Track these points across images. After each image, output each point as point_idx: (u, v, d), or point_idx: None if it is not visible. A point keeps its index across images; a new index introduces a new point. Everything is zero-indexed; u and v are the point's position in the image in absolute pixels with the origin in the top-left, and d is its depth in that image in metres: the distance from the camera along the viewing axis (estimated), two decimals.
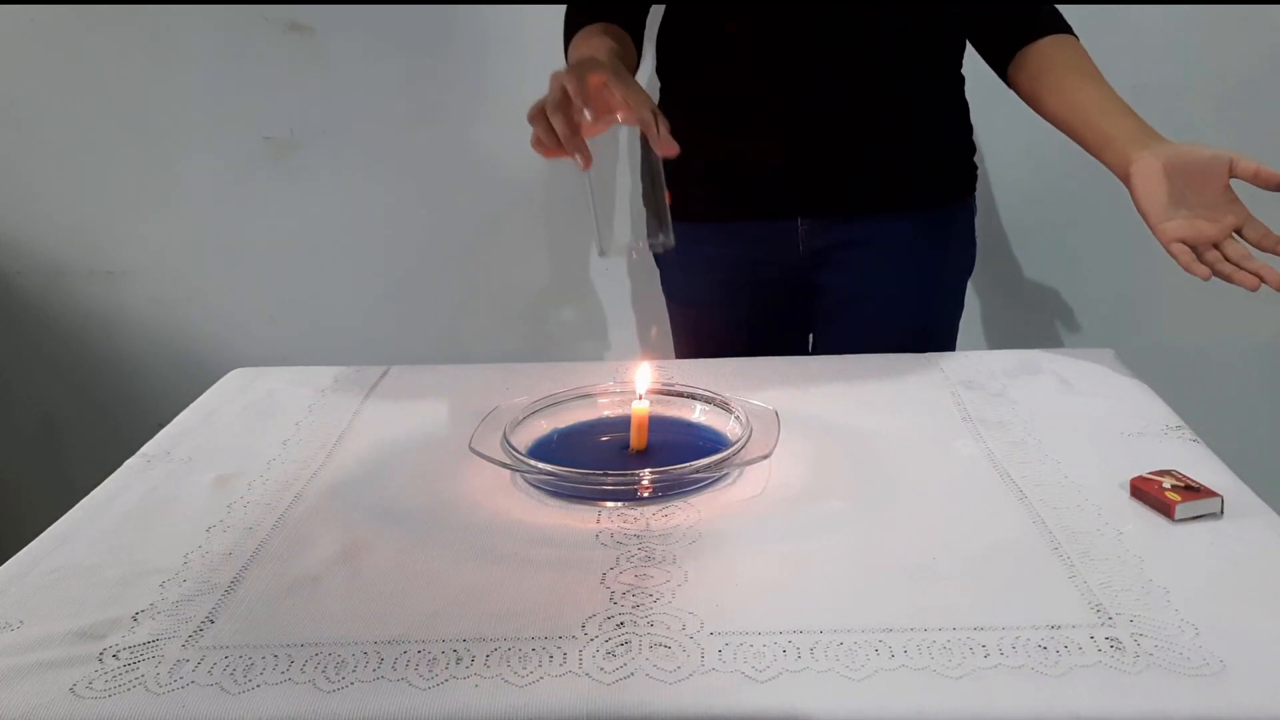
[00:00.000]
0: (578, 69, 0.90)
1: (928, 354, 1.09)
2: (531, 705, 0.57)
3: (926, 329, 1.22)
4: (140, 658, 0.62)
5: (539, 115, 0.89)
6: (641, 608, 0.65)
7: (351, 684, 0.59)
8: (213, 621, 0.66)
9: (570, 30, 1.13)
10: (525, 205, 1.61)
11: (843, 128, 1.12)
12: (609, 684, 0.59)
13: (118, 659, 0.62)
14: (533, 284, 1.66)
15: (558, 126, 0.86)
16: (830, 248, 1.19)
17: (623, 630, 0.63)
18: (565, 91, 0.88)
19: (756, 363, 1.11)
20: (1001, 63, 1.13)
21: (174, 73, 1.55)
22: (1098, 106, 1.02)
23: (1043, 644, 0.60)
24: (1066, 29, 1.11)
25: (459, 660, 0.61)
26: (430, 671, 0.60)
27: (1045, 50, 1.08)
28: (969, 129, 1.22)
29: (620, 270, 1.63)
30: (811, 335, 1.29)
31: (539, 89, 1.53)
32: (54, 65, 1.55)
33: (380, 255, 1.65)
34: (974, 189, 1.23)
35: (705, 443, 0.88)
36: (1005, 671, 0.58)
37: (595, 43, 1.05)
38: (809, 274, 1.21)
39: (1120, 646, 0.60)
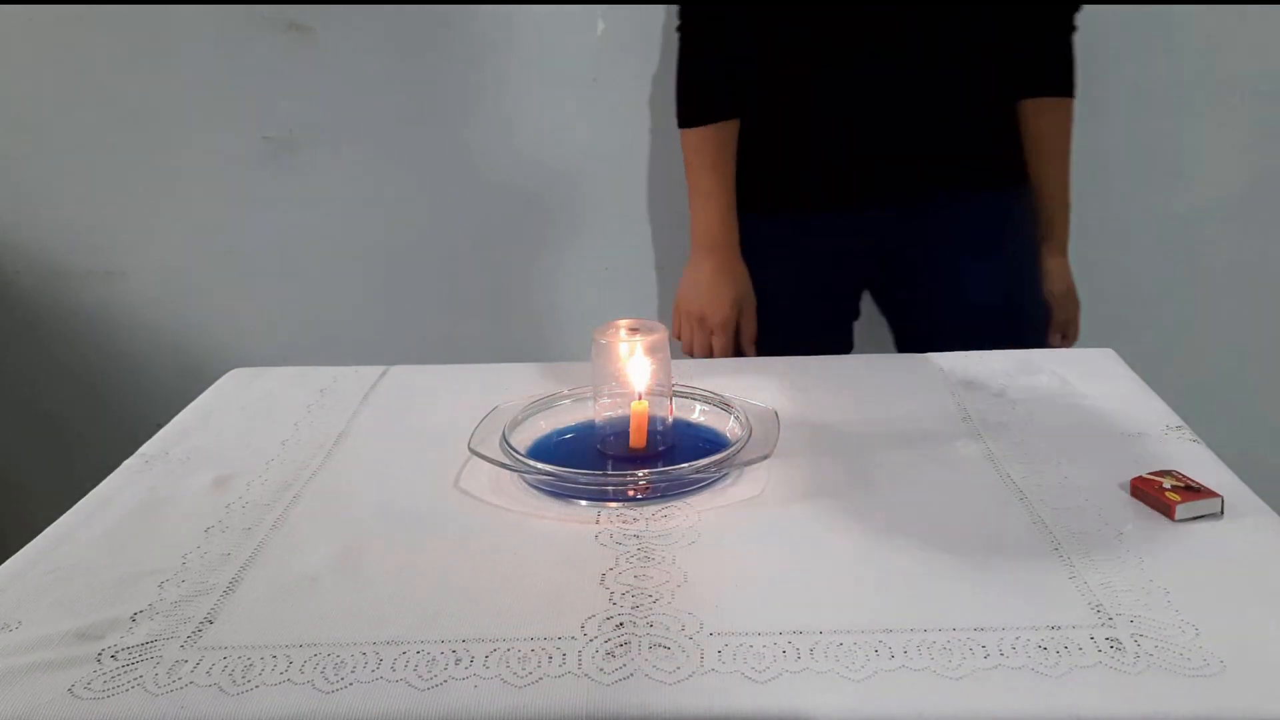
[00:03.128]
0: (725, 338, 1.21)
1: (927, 354, 1.10)
2: (531, 706, 0.57)
3: (1008, 308, 1.26)
4: (139, 658, 0.62)
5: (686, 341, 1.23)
6: (641, 608, 0.65)
7: (350, 684, 0.59)
8: (211, 622, 0.66)
9: (695, 112, 1.19)
10: (524, 205, 1.61)
11: (915, 114, 1.16)
12: (608, 684, 0.59)
13: (116, 660, 0.62)
14: (532, 284, 1.66)
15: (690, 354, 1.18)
16: (906, 235, 1.21)
17: (622, 631, 0.63)
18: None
19: (757, 363, 1.11)
20: (1008, 97, 1.21)
21: (173, 72, 1.54)
22: (1041, 198, 1.26)
23: (1043, 644, 0.60)
24: (1063, 87, 1.20)
25: (458, 661, 0.61)
26: (429, 672, 0.60)
27: (1034, 114, 1.22)
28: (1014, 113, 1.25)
29: (620, 271, 1.63)
30: (853, 325, 1.35)
31: (538, 89, 1.54)
32: (53, 65, 1.54)
33: (379, 255, 1.64)
34: (1025, 173, 1.28)
35: (705, 443, 0.88)
36: (1005, 672, 0.58)
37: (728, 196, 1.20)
38: (881, 263, 1.24)
39: (1120, 647, 0.60)
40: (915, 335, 1.28)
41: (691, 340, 1.22)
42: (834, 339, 1.30)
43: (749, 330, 1.21)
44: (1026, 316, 1.28)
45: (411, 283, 1.66)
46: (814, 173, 1.20)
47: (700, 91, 1.19)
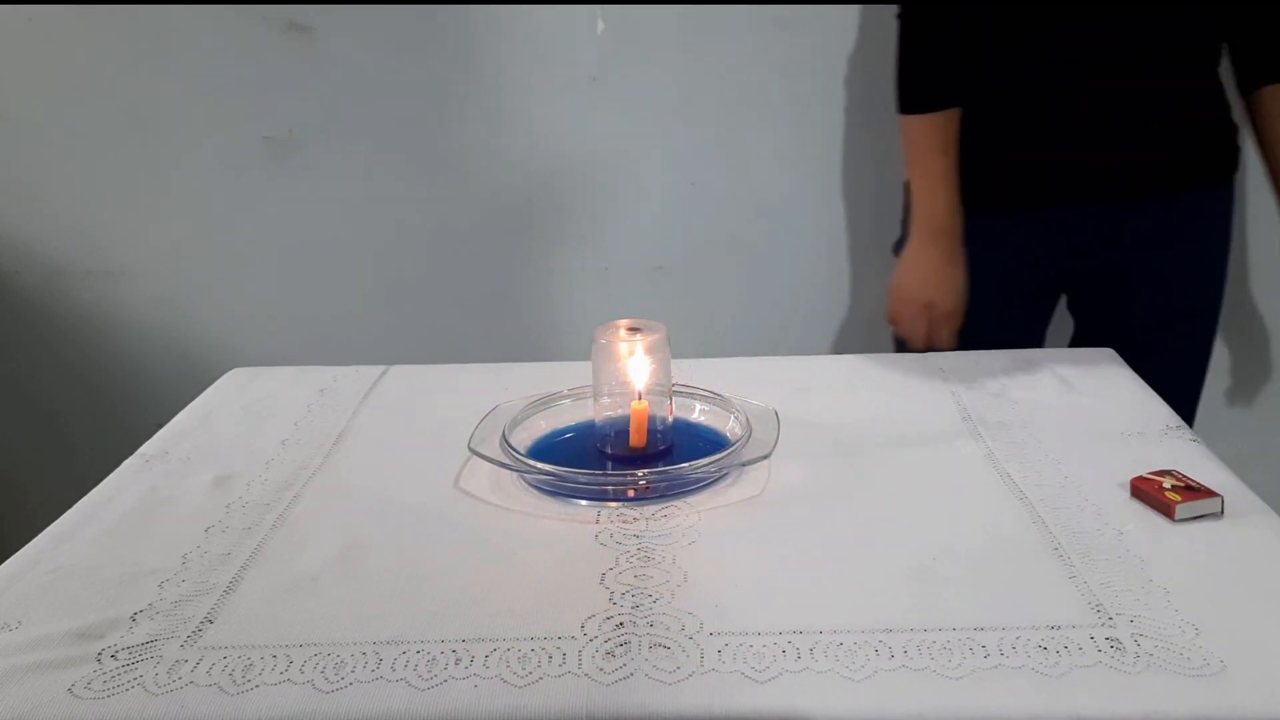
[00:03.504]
0: (951, 326, 1.20)
1: (927, 354, 1.09)
2: (531, 706, 0.57)
3: (1200, 309, 1.24)
4: (139, 658, 0.62)
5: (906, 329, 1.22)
6: (641, 608, 0.65)
7: (350, 684, 0.59)
8: (211, 622, 0.66)
9: (918, 99, 1.18)
10: (524, 205, 1.61)
11: (1144, 106, 1.14)
12: (608, 684, 0.59)
13: (116, 659, 0.62)
14: (532, 284, 1.66)
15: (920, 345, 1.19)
16: (1121, 231, 1.20)
17: (622, 631, 0.63)
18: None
19: (756, 362, 1.11)
20: (1244, 85, 1.19)
21: (173, 72, 1.54)
22: None
23: (1043, 644, 0.60)
24: None
25: (458, 660, 0.61)
26: (429, 672, 0.60)
27: (1271, 101, 1.18)
28: (1228, 107, 1.23)
29: (619, 270, 1.63)
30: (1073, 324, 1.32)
31: (538, 88, 1.54)
32: (53, 64, 1.54)
33: (379, 255, 1.64)
34: (1237, 167, 1.25)
35: (705, 443, 0.87)
36: (1005, 672, 0.58)
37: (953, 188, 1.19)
38: (1093, 262, 1.22)
39: (1120, 647, 0.60)
40: (1104, 336, 1.25)
41: (913, 328, 1.20)
42: (1028, 339, 1.28)
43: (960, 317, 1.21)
44: (1211, 319, 1.27)
45: (411, 282, 1.66)
46: (1033, 168, 1.19)
47: (924, 77, 1.19)
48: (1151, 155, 1.16)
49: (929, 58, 1.18)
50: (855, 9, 1.47)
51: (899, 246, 1.25)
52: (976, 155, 1.19)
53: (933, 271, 1.19)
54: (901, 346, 1.23)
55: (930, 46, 1.18)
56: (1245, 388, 1.63)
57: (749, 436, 0.84)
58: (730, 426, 0.89)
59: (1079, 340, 1.30)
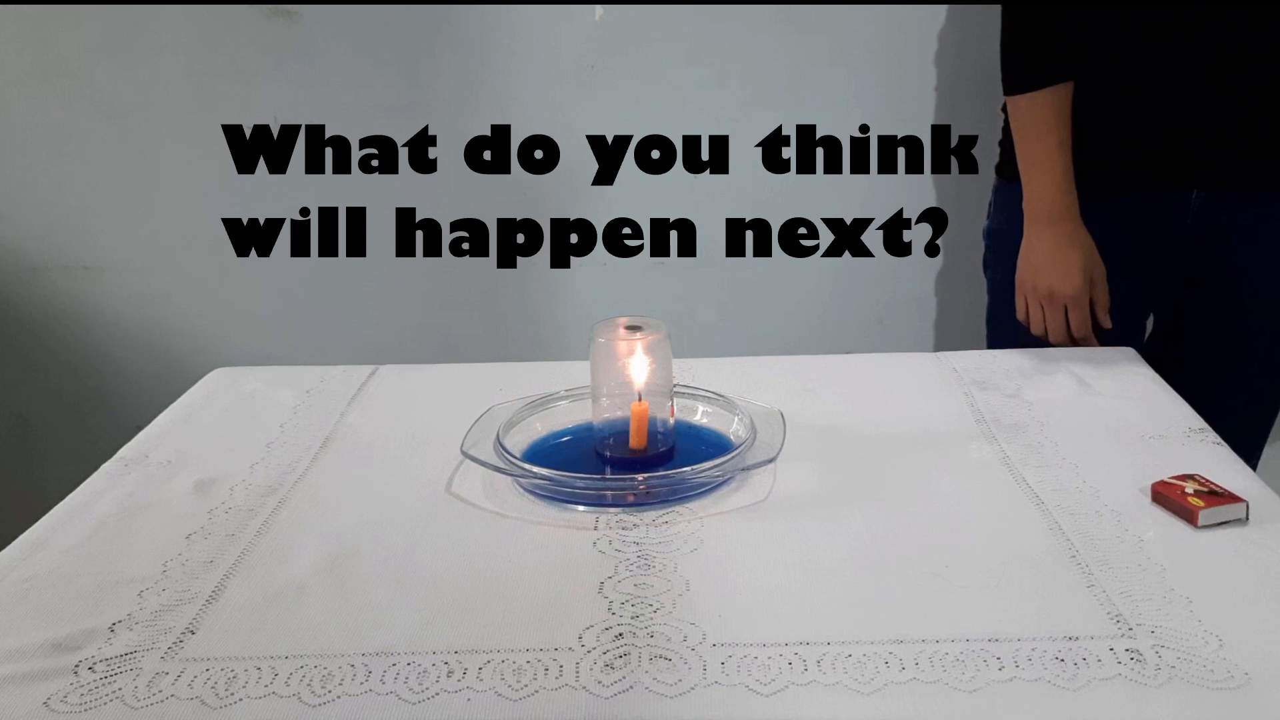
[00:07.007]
0: (1079, 314, 1.14)
1: (940, 353, 1.09)
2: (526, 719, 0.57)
3: None
4: (117, 670, 0.61)
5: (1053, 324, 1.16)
6: (641, 618, 0.65)
7: (338, 697, 0.58)
8: (193, 632, 0.65)
9: (1026, 77, 1.15)
10: (519, 197, 1.60)
11: (1244, 99, 1.12)
12: (607, 698, 0.58)
13: (94, 672, 0.61)
14: (526, 281, 1.65)
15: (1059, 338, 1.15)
16: (1218, 223, 1.17)
17: (621, 642, 0.63)
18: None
19: (761, 362, 1.11)
20: None
21: (153, 60, 1.53)
22: None
23: (1060, 656, 0.60)
24: None
25: (450, 673, 0.60)
26: (420, 684, 0.59)
27: None
28: None
29: (616, 269, 1.62)
30: (1151, 316, 1.29)
31: (530, 81, 1.53)
32: (27, 53, 1.53)
33: (368, 250, 1.63)
34: None
35: (707, 445, 0.87)
36: (1021, 684, 0.58)
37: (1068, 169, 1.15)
38: (1185, 253, 1.20)
39: (1141, 658, 0.59)
40: (1188, 331, 1.23)
41: (1043, 320, 1.17)
42: (1130, 330, 1.24)
43: (1102, 300, 1.16)
44: None
45: (401, 278, 1.65)
46: (1136, 151, 1.16)
47: (1030, 54, 1.16)
48: (1257, 147, 1.14)
49: (1035, 32, 1.15)
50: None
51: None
52: (1081, 137, 1.17)
53: (1050, 257, 1.15)
54: (1043, 344, 1.19)
55: (1036, 21, 1.15)
56: None
57: (754, 439, 0.84)
58: (734, 429, 0.88)
59: (1158, 335, 1.28)
